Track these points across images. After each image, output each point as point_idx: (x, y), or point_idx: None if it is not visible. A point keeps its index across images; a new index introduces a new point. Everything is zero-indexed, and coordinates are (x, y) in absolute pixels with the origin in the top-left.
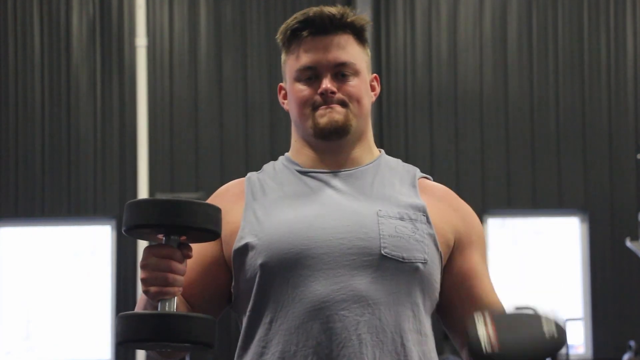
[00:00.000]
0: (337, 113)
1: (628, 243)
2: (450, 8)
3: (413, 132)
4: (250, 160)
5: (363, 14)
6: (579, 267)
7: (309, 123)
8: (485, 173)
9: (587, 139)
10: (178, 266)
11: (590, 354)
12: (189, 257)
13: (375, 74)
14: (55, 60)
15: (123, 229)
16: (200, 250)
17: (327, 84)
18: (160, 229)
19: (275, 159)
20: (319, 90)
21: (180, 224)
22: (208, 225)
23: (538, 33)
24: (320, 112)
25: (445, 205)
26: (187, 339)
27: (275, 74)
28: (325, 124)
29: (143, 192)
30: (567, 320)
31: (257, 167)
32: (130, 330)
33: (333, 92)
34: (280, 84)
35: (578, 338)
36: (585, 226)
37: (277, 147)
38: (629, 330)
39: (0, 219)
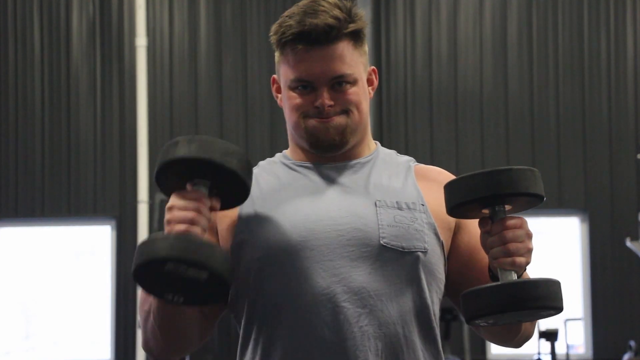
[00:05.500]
0: (332, 131)
1: (628, 243)
2: (450, 8)
3: (413, 131)
4: (250, 160)
5: (361, 12)
6: (579, 267)
7: (305, 136)
8: None
9: (587, 139)
10: (206, 210)
11: (590, 354)
12: (216, 209)
13: (373, 67)
14: (55, 60)
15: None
16: None
17: (324, 99)
18: (198, 178)
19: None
20: (316, 104)
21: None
22: None
23: (538, 33)
24: (315, 123)
25: (441, 187)
26: (206, 263)
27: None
28: (321, 141)
29: (143, 192)
30: (567, 320)
31: None
32: (150, 250)
33: (330, 106)
34: (274, 76)
35: (578, 338)
36: (585, 226)
37: (277, 147)
38: (629, 330)
39: (0, 219)
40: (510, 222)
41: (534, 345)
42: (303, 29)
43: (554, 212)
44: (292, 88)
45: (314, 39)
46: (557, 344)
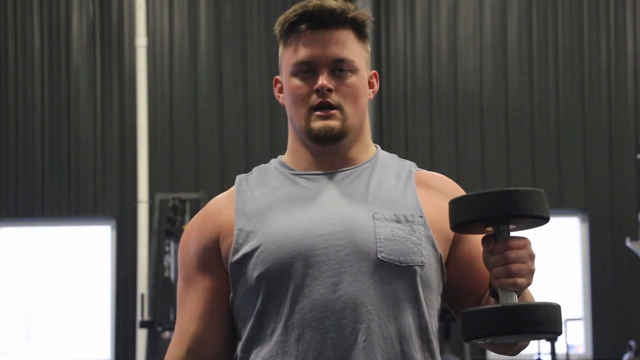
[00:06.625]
0: (332, 120)
1: (628, 243)
2: (450, 8)
3: (413, 131)
4: (250, 160)
5: (364, 9)
6: (579, 267)
7: (304, 126)
8: (485, 173)
9: (587, 139)
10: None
11: (590, 354)
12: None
13: (374, 71)
14: (55, 60)
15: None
16: (207, 275)
17: (323, 80)
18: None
19: (275, 158)
20: (315, 87)
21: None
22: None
23: (538, 33)
24: (316, 117)
25: (441, 196)
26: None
27: (275, 74)
28: (319, 129)
29: (143, 192)
30: (567, 320)
31: None
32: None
33: (330, 90)
34: (277, 77)
35: (578, 338)
36: (585, 226)
37: (277, 147)
38: (629, 330)
39: (0, 219)
40: (514, 243)
41: (534, 345)
42: (307, 10)
43: (554, 212)
44: (293, 74)
45: (318, 19)
46: (557, 344)
